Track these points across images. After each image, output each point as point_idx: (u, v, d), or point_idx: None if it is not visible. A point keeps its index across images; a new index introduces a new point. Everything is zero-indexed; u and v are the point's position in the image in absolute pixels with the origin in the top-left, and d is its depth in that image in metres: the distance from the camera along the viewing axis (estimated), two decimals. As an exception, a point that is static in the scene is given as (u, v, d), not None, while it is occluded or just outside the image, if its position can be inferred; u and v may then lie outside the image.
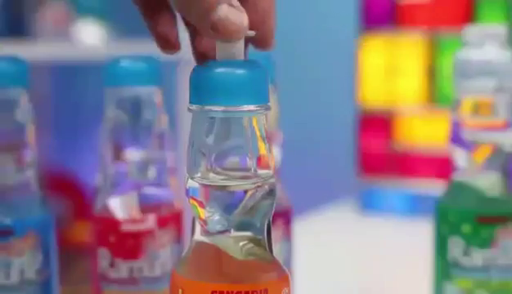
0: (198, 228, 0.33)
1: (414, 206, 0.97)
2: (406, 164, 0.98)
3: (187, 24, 0.38)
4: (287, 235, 0.53)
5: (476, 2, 0.94)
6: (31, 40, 1.66)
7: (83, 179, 2.12)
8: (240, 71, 0.31)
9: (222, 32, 0.31)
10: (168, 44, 0.38)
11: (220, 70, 0.31)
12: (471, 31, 0.53)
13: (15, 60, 0.47)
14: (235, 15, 0.31)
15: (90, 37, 1.77)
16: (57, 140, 2.30)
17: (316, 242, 0.88)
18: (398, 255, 0.82)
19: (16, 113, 0.47)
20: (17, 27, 1.67)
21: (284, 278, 0.33)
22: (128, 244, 0.48)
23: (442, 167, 0.95)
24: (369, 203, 1.00)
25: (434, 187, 0.95)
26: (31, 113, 0.48)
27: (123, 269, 0.48)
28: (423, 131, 0.93)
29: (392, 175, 0.99)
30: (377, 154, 0.99)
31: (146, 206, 0.49)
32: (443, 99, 0.95)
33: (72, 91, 2.27)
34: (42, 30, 1.71)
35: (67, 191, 2.02)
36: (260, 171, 0.32)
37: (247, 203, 0.32)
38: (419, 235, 0.89)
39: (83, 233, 1.99)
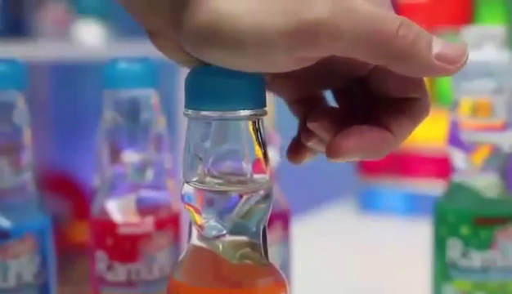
0: (194, 232, 0.33)
1: (413, 206, 0.97)
2: (406, 164, 0.98)
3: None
4: (285, 237, 0.53)
5: (475, 3, 0.94)
6: (31, 40, 1.66)
7: (82, 179, 2.12)
8: (236, 76, 0.31)
9: (446, 69, 0.30)
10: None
11: (216, 75, 0.31)
12: (470, 31, 0.53)
13: (11, 63, 0.47)
14: (450, 48, 0.31)
15: (90, 37, 1.77)
16: (57, 141, 2.30)
17: (315, 241, 0.88)
18: (397, 255, 0.82)
19: (13, 116, 0.47)
20: (17, 27, 1.66)
21: (280, 282, 0.33)
22: (126, 247, 0.47)
23: (441, 167, 0.95)
24: (368, 203, 1.00)
25: (433, 187, 0.95)
26: (28, 116, 0.48)
27: (120, 271, 0.48)
28: (422, 131, 0.93)
29: (392, 175, 0.99)
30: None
31: (144, 208, 0.48)
32: (443, 99, 0.95)
33: (72, 91, 2.26)
34: (42, 30, 1.70)
35: (67, 191, 2.02)
36: (256, 176, 0.32)
37: (242, 208, 0.32)
38: (419, 235, 0.89)
39: (83, 233, 1.99)
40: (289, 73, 0.34)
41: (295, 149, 0.37)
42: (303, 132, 0.36)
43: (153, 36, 0.33)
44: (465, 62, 0.31)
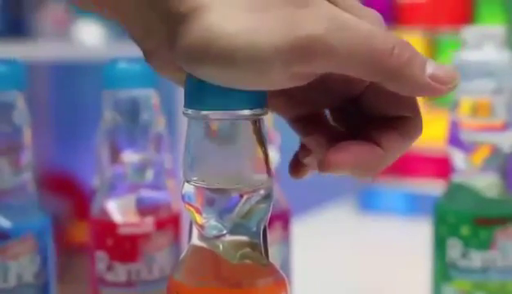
0: (195, 232, 0.33)
1: (413, 206, 0.97)
2: (406, 164, 0.98)
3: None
4: (285, 237, 0.53)
5: (475, 3, 0.94)
6: (31, 40, 1.66)
7: (82, 179, 2.12)
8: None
9: (438, 89, 0.31)
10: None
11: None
12: (470, 31, 0.53)
13: (11, 63, 0.47)
14: (443, 70, 0.31)
15: (90, 37, 1.77)
16: (57, 141, 2.30)
17: (315, 241, 0.88)
18: (397, 255, 0.82)
19: (13, 116, 0.47)
20: (17, 27, 1.67)
21: (280, 282, 0.33)
22: (126, 247, 0.48)
23: (441, 167, 0.95)
24: (368, 203, 1.00)
25: (433, 187, 0.95)
26: (28, 116, 0.48)
27: (120, 272, 0.48)
28: (422, 131, 0.93)
29: (392, 175, 0.99)
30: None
31: (144, 208, 0.48)
32: (442, 99, 0.95)
33: (72, 91, 2.27)
34: (42, 30, 1.71)
35: (67, 191, 2.03)
36: (257, 176, 0.32)
37: (243, 207, 0.32)
38: (418, 235, 0.89)
39: (83, 233, 1.99)
40: (284, 92, 0.34)
41: (296, 165, 0.38)
42: (300, 149, 0.37)
43: (149, 56, 0.33)
44: (457, 85, 0.31)
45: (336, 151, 0.33)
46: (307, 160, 0.36)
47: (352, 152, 0.33)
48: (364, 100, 0.35)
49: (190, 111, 0.32)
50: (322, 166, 0.33)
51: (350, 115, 0.36)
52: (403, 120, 0.34)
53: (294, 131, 0.38)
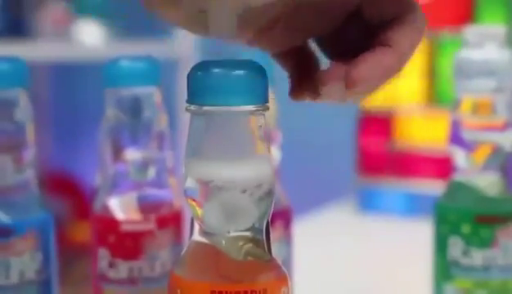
0: (196, 228, 0.33)
1: (413, 206, 0.97)
2: (406, 164, 0.98)
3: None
4: (286, 235, 0.53)
5: (476, 2, 0.94)
6: (31, 40, 1.66)
7: (83, 179, 2.12)
8: (238, 71, 0.31)
9: None
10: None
11: (218, 70, 0.31)
12: (471, 31, 0.53)
13: (14, 61, 0.47)
14: None
15: (90, 37, 1.77)
16: (57, 140, 2.30)
17: (315, 241, 0.88)
18: (398, 255, 0.82)
19: (16, 114, 0.47)
20: (17, 27, 1.67)
21: (282, 277, 0.33)
22: (128, 244, 0.48)
23: (441, 166, 0.95)
24: (368, 203, 1.00)
25: (434, 187, 0.95)
26: (30, 114, 0.48)
27: (122, 269, 0.48)
28: (422, 131, 0.93)
29: (392, 175, 0.99)
30: (377, 154, 0.99)
31: (146, 206, 0.49)
32: (443, 99, 0.95)
33: (72, 91, 2.27)
34: (42, 30, 1.71)
35: (67, 191, 2.03)
36: (258, 171, 0.32)
37: (245, 203, 0.32)
38: (419, 235, 0.89)
39: (83, 233, 1.99)
40: (279, 22, 0.34)
41: (298, 88, 0.37)
42: (296, 89, 0.37)
43: None
44: None
45: (356, 65, 0.33)
46: (306, 97, 0.36)
47: (372, 60, 0.33)
48: (363, 11, 0.35)
49: (192, 107, 0.32)
50: (349, 83, 0.33)
51: (349, 37, 0.37)
52: (406, 17, 0.35)
53: (282, 65, 0.38)
